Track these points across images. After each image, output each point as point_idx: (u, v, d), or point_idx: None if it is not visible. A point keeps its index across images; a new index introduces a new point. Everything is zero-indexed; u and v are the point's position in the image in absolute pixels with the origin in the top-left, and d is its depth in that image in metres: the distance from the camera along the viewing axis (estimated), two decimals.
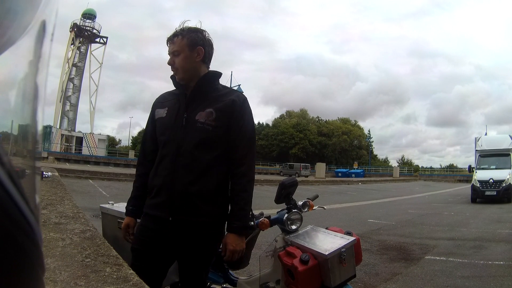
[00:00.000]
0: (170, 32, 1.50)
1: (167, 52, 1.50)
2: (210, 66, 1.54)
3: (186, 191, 1.38)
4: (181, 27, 1.48)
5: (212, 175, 1.41)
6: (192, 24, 1.50)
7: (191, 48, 1.45)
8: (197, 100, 1.47)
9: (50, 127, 31.07)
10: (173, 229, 1.40)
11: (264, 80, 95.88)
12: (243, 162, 1.44)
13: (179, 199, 1.38)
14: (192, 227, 1.40)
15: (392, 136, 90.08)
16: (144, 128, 1.68)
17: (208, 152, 1.42)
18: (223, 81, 1.65)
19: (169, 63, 1.48)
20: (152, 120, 1.57)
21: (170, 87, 1.60)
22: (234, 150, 1.45)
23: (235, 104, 1.46)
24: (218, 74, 1.54)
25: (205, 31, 1.51)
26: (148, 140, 1.58)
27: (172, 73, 1.52)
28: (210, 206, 1.41)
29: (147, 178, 1.50)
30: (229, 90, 1.55)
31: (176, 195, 1.39)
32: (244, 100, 1.51)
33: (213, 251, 1.48)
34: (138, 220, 1.52)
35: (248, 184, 1.44)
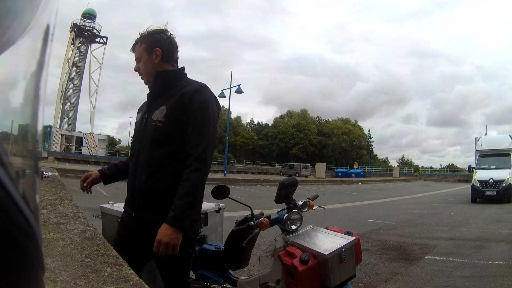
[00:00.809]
0: (171, 32, 1.57)
1: (135, 59, 1.60)
2: (178, 64, 1.60)
3: (141, 188, 1.46)
4: (143, 33, 1.56)
5: (166, 173, 1.42)
6: (155, 27, 1.58)
7: (149, 52, 1.52)
8: (156, 100, 1.53)
9: (50, 127, 31.06)
10: (137, 224, 1.48)
11: (265, 80, 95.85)
12: (193, 152, 1.38)
13: (138, 196, 1.48)
14: (149, 224, 1.41)
15: (392, 136, 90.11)
16: None
17: (162, 149, 1.44)
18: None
19: (135, 70, 1.58)
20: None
21: None
22: (188, 142, 1.41)
23: (183, 97, 1.44)
24: (175, 70, 1.55)
25: (165, 31, 1.55)
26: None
27: None
28: (164, 203, 1.38)
29: (127, 164, 1.71)
30: (187, 84, 1.51)
31: (136, 192, 1.49)
32: (197, 90, 1.46)
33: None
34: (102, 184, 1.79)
35: (193, 173, 1.36)
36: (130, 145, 1.82)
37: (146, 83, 1.59)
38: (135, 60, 1.58)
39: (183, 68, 1.58)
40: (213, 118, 1.46)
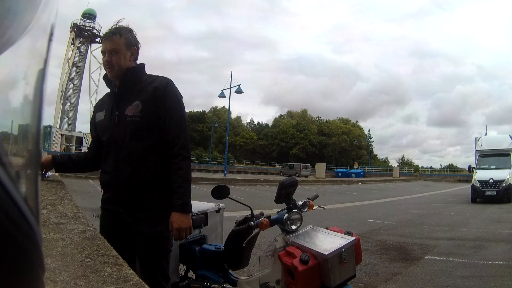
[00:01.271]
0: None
1: (102, 50, 1.56)
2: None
3: (128, 183, 1.48)
4: (116, 25, 1.55)
5: (149, 164, 1.50)
6: (124, 24, 1.58)
7: (127, 47, 1.55)
8: (126, 95, 1.56)
9: (50, 127, 31.05)
10: (127, 217, 1.50)
11: (265, 80, 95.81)
12: (176, 142, 1.51)
13: (125, 191, 1.50)
14: (140, 212, 1.49)
15: (392, 136, 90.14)
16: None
17: (142, 143, 1.51)
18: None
19: (107, 61, 1.52)
20: (93, 124, 1.69)
21: None
22: (167, 134, 1.52)
23: (157, 91, 1.53)
24: (141, 66, 1.61)
25: (134, 31, 1.60)
26: (92, 142, 1.75)
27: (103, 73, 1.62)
28: (154, 192, 1.50)
29: (81, 158, 1.82)
30: (153, 79, 1.60)
31: (121, 189, 1.50)
32: (167, 84, 1.56)
33: (165, 234, 1.50)
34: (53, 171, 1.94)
35: (183, 162, 1.49)
36: (91, 144, 1.82)
37: (113, 77, 1.56)
38: (107, 51, 1.52)
39: (144, 65, 1.64)
40: (185, 110, 1.61)
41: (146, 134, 1.51)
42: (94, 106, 1.74)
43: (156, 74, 1.61)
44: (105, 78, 1.62)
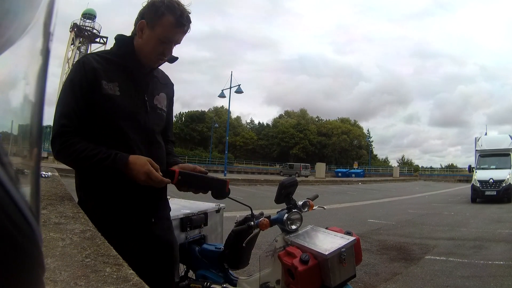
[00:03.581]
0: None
1: (169, 37, 1.24)
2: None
3: (161, 188, 1.30)
4: (187, 12, 1.27)
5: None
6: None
7: None
8: (152, 81, 1.34)
9: (50, 127, 31.00)
10: (156, 230, 1.35)
11: (266, 81, 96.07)
12: (173, 140, 1.54)
13: (157, 198, 1.35)
14: (168, 226, 1.45)
15: (394, 136, 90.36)
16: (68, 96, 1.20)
17: (162, 140, 1.41)
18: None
19: (167, 52, 1.28)
20: (88, 91, 1.17)
21: (177, 88, 1.57)
22: (168, 130, 1.48)
23: (173, 88, 1.48)
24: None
25: None
26: (72, 117, 1.17)
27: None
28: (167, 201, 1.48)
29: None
30: (162, 71, 1.44)
31: (152, 193, 1.29)
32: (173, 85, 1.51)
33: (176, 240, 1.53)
34: None
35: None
36: (73, 120, 1.18)
37: (155, 66, 1.33)
38: (176, 42, 1.27)
39: None
40: None
41: (163, 128, 1.41)
42: (84, 65, 1.19)
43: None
44: (126, 45, 1.27)
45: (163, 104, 1.37)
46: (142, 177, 1.14)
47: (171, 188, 1.35)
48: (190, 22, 1.26)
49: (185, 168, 1.31)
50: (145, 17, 1.24)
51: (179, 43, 1.28)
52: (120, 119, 1.22)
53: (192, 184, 1.29)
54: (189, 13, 1.26)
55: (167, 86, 1.43)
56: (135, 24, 1.28)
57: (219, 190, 1.32)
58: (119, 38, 1.28)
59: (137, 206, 1.27)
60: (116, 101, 1.21)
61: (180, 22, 1.22)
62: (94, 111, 1.19)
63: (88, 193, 1.28)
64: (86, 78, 1.18)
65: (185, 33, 1.27)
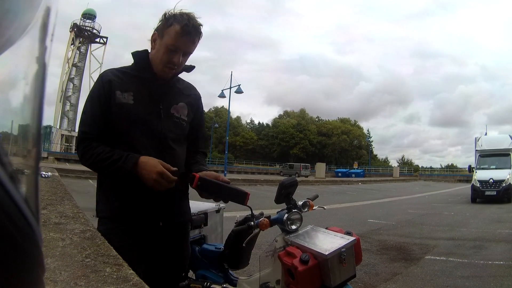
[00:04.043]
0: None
1: (177, 45, 1.28)
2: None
3: (169, 192, 1.27)
4: (197, 20, 1.30)
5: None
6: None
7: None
8: (171, 91, 1.40)
9: (50, 127, 31.08)
10: (161, 234, 1.38)
11: (267, 81, 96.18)
12: (205, 151, 1.58)
13: (166, 201, 1.36)
14: (176, 231, 1.45)
15: (394, 136, 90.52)
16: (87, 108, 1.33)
17: (181, 148, 1.44)
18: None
19: (177, 61, 1.30)
20: (105, 101, 1.29)
21: None
22: (197, 143, 1.52)
23: (200, 100, 1.52)
24: (191, 66, 1.54)
25: None
26: (92, 125, 1.30)
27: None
28: (185, 204, 1.51)
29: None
30: (187, 83, 1.51)
31: (161, 197, 1.31)
32: (200, 96, 1.56)
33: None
34: None
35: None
36: (94, 128, 1.31)
37: (168, 77, 1.36)
38: (184, 51, 1.31)
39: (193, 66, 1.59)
40: None
41: (184, 139, 1.43)
42: (102, 78, 1.32)
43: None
44: (141, 59, 1.35)
45: (182, 113, 1.41)
46: (154, 176, 1.20)
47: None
48: (199, 32, 1.31)
49: (208, 176, 1.32)
50: (157, 29, 1.33)
51: (190, 52, 1.34)
52: (132, 125, 1.30)
53: (211, 191, 1.30)
54: (200, 25, 1.30)
55: (190, 97, 1.47)
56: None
57: (238, 201, 1.33)
58: (135, 53, 1.37)
59: (145, 209, 1.32)
60: (128, 108, 1.30)
61: (186, 31, 1.26)
62: (110, 118, 1.30)
63: (103, 194, 1.37)
64: (103, 89, 1.30)
65: (194, 43, 1.32)
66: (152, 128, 1.33)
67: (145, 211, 1.32)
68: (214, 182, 1.30)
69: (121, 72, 1.36)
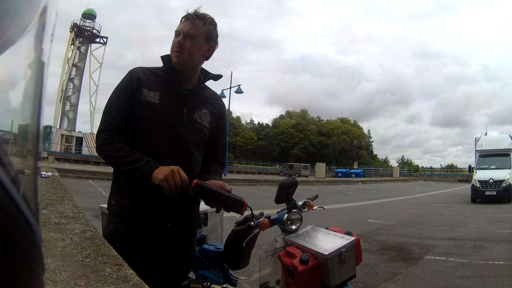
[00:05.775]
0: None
1: (178, 29, 1.35)
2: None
3: (183, 195, 1.28)
4: (201, 12, 1.37)
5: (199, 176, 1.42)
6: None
7: (206, 39, 1.38)
8: (196, 97, 1.42)
9: (50, 127, 31.08)
10: (170, 235, 1.38)
11: (269, 81, 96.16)
12: (223, 161, 1.56)
13: (179, 204, 1.36)
14: (184, 233, 1.44)
15: (395, 136, 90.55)
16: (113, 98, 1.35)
17: (200, 155, 1.44)
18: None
19: (178, 42, 1.33)
20: (131, 96, 1.32)
21: None
22: (216, 150, 1.52)
23: (223, 109, 1.52)
24: (219, 76, 1.57)
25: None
26: (115, 116, 1.31)
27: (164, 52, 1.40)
28: (196, 209, 1.49)
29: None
30: (213, 92, 1.55)
31: (175, 200, 1.31)
32: (224, 105, 1.58)
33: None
34: None
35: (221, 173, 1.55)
36: (116, 124, 1.31)
37: (177, 63, 1.35)
38: (184, 32, 1.33)
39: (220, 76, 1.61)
40: None
41: (202, 147, 1.44)
42: (132, 74, 1.35)
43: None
44: (167, 59, 1.38)
45: (204, 120, 1.42)
46: (167, 171, 1.21)
47: None
48: (198, 15, 1.36)
49: (214, 184, 1.33)
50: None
51: (193, 34, 1.34)
52: (154, 124, 1.32)
53: (208, 197, 1.30)
54: (202, 13, 1.37)
55: (214, 106, 1.48)
56: None
57: (234, 210, 1.33)
58: (163, 56, 1.41)
59: (155, 208, 1.33)
60: (153, 107, 1.32)
61: (185, 16, 1.36)
62: (134, 114, 1.32)
63: (116, 189, 1.37)
64: (131, 85, 1.33)
65: (194, 24, 1.34)
66: (173, 130, 1.34)
67: (155, 210, 1.33)
68: (211, 188, 1.29)
69: (150, 71, 1.39)
